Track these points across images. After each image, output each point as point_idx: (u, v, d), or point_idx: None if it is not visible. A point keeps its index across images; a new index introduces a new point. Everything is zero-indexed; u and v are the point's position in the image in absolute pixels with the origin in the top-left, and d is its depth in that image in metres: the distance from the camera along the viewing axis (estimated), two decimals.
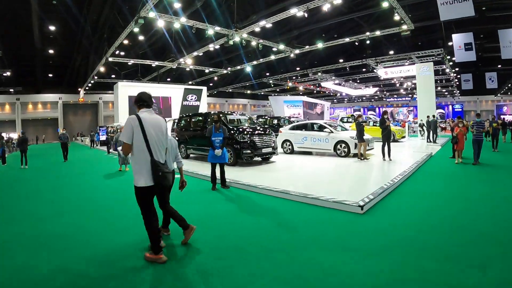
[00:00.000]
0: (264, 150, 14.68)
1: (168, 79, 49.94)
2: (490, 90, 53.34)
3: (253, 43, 29.86)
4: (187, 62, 37.18)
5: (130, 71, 44.86)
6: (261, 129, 15.38)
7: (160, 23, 24.04)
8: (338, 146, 16.67)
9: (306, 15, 23.39)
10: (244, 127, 15.02)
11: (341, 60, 41.65)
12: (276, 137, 15.99)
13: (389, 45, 37.52)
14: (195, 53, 34.36)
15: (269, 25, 26.44)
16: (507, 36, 25.69)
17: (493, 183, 10.53)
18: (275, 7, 25.32)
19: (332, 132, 17.04)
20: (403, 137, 27.33)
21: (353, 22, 31.86)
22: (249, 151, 14.09)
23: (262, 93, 66.50)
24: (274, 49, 33.11)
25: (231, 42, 27.73)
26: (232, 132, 14.31)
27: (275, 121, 27.74)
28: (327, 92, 62.86)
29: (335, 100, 79.22)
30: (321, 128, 17.66)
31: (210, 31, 26.49)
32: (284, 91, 61.06)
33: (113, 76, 46.46)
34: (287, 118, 29.83)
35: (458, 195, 8.98)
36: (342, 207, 7.67)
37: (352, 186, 10.12)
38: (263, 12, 26.27)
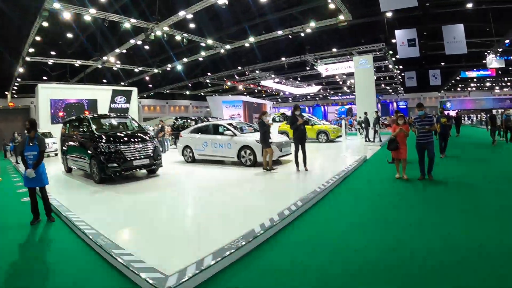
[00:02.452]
0: (136, 163, 10.78)
1: (104, 81, 44.97)
2: (433, 87, 51.11)
3: (178, 37, 26.15)
4: (111, 60, 32.72)
5: (61, 72, 39.71)
6: (138, 135, 11.49)
7: (67, 15, 20.52)
8: (243, 153, 12.52)
9: (227, 2, 19.56)
10: (113, 134, 11.18)
11: (283, 59, 38.00)
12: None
13: (332, 43, 34.39)
14: (117, 50, 30.20)
15: (190, 16, 22.58)
16: (451, 32, 24.42)
17: (443, 220, 6.12)
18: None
19: (235, 135, 12.79)
20: (339, 136, 23.44)
21: (296, 20, 28.11)
22: (115, 165, 10.29)
23: (202, 94, 61.79)
24: (203, 44, 29.21)
25: (152, 37, 23.87)
26: (97, 140, 10.68)
27: (193, 123, 23.30)
28: (269, 91, 58.69)
29: (279, 99, 75.12)
30: (226, 130, 13.37)
31: (127, 24, 22.91)
32: (226, 91, 56.54)
33: (44, 78, 41.16)
34: (205, 118, 25.52)
35: (383, 247, 4.89)
36: (142, 283, 4.02)
37: (211, 227, 6.02)
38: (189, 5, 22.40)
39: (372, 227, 5.79)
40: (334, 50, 33.81)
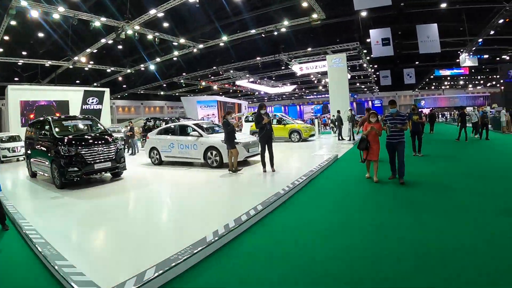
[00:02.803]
0: (98, 166, 10.31)
1: (77, 81, 43.90)
2: (408, 85, 51.68)
3: (149, 36, 25.64)
4: (82, 60, 32.12)
5: (33, 73, 38.60)
6: (100, 137, 11.03)
7: (35, 14, 20.01)
8: (209, 154, 12.18)
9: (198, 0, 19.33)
10: (74, 136, 10.72)
11: (258, 58, 37.74)
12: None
13: (306, 42, 34.33)
14: (88, 50, 29.45)
15: (161, 14, 22.29)
16: (424, 32, 24.71)
17: (413, 225, 5.64)
18: None
19: (201, 136, 12.43)
20: (312, 135, 23.29)
21: (271, 19, 27.85)
22: (75, 169, 9.78)
23: (177, 94, 60.76)
24: (175, 43, 28.80)
25: (122, 36, 23.49)
26: (58, 143, 10.13)
27: (163, 124, 22.78)
28: (244, 91, 58.33)
29: (254, 99, 74.43)
30: (192, 130, 12.99)
31: (97, 23, 22.37)
32: (201, 91, 55.76)
33: (16, 79, 39.99)
34: (176, 119, 25.11)
35: (347, 257, 4.57)
36: None
37: (162, 236, 5.77)
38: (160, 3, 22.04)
39: (336, 234, 5.44)
40: (309, 49, 33.77)
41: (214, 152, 11.99)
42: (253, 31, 26.43)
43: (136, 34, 24.06)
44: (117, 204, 8.13)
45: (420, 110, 19.38)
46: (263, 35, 26.37)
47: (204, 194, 8.66)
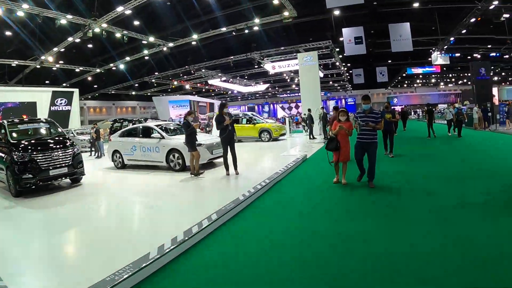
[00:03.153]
0: (53, 172, 9.68)
1: (47, 82, 42.70)
2: (381, 83, 52.98)
3: (118, 35, 24.97)
4: (50, 59, 31.22)
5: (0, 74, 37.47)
6: (56, 141, 10.40)
7: None
8: (171, 157, 11.68)
9: None
10: (29, 141, 10.04)
11: (231, 57, 37.39)
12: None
13: (279, 41, 34.29)
14: (55, 49, 28.62)
15: (128, 12, 22.00)
16: (397, 30, 25.20)
17: (381, 234, 5.23)
18: None
19: (163, 137, 11.91)
20: (283, 134, 22.80)
21: (243, 18, 27.55)
22: (30, 176, 9.18)
23: (149, 94, 59.89)
24: (145, 42, 28.37)
25: (89, 34, 23.12)
26: (12, 148, 9.56)
27: (130, 125, 22.14)
28: (217, 90, 58.04)
29: (228, 98, 73.19)
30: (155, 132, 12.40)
31: (63, 21, 21.85)
32: (174, 90, 55.25)
33: None
34: (142, 119, 24.63)
35: (306, 276, 4.11)
36: None
37: (105, 252, 5.16)
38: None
39: (295, 245, 4.96)
40: (282, 48, 33.87)
41: (176, 155, 11.50)
42: (223, 29, 26.25)
43: (103, 32, 23.56)
44: (70, 214, 7.60)
45: (392, 108, 18.84)
46: (234, 33, 26.34)
47: (161, 201, 8.13)
